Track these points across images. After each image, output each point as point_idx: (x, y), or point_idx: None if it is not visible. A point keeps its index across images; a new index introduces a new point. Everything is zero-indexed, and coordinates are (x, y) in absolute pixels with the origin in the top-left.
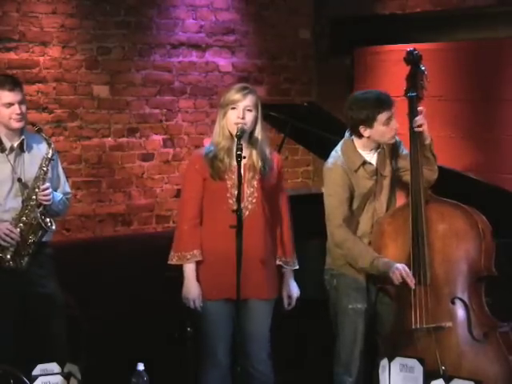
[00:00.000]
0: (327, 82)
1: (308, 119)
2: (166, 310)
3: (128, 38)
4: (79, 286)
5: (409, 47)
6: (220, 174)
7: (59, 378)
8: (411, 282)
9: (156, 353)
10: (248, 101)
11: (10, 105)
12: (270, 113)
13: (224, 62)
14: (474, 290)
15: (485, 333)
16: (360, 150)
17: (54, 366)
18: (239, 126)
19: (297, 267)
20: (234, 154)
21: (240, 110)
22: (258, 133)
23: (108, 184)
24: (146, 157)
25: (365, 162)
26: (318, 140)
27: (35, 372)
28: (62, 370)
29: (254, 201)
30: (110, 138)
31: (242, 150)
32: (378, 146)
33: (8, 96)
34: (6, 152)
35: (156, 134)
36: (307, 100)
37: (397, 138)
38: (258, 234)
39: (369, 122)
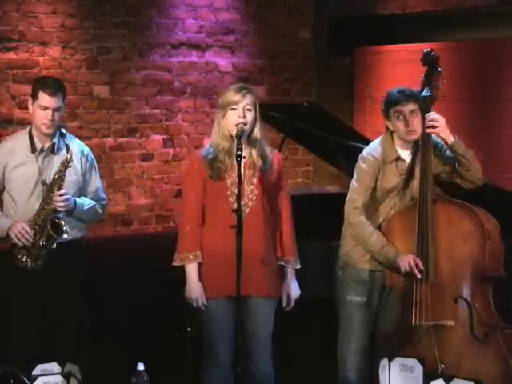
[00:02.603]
0: (327, 82)
1: (308, 119)
2: (167, 310)
3: (128, 38)
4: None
5: (409, 47)
6: (220, 173)
7: (59, 377)
8: (418, 272)
9: (156, 353)
10: (247, 100)
11: (46, 108)
12: (270, 113)
13: (224, 62)
14: (479, 289)
15: (485, 333)
16: (397, 147)
17: (54, 366)
18: (239, 126)
19: (298, 266)
20: (234, 154)
21: (240, 110)
22: (257, 132)
23: (108, 184)
24: (146, 157)
25: (398, 158)
26: (318, 140)
27: (35, 372)
28: (62, 370)
29: (254, 198)
30: (110, 138)
31: (242, 149)
32: (414, 146)
33: (46, 100)
34: (36, 153)
35: (156, 134)
36: (307, 100)
37: (438, 141)
38: (259, 232)
39: (386, 115)
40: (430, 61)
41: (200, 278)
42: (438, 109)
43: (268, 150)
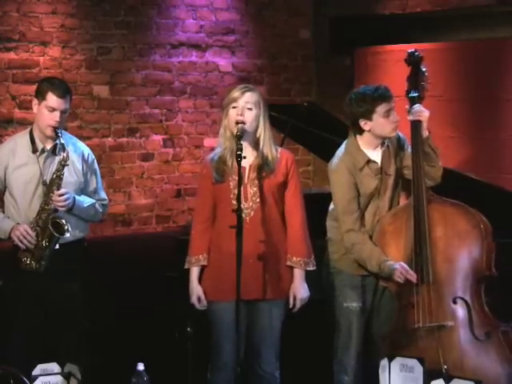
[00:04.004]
0: (327, 82)
1: (308, 119)
2: (166, 310)
3: (128, 38)
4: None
5: (409, 47)
6: (224, 176)
7: (59, 377)
8: (412, 277)
9: (156, 353)
10: (247, 98)
11: (53, 110)
12: (270, 113)
13: (224, 62)
14: (476, 289)
15: (487, 332)
16: (364, 149)
17: (54, 366)
18: (239, 125)
19: (311, 268)
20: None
21: (239, 108)
22: (261, 132)
23: (108, 184)
24: (146, 157)
25: (369, 161)
26: (318, 140)
27: (35, 372)
28: (62, 370)
29: (258, 200)
30: (109, 138)
31: (241, 150)
32: (381, 144)
33: (54, 101)
34: (37, 153)
35: (156, 134)
36: (307, 100)
37: (401, 136)
38: (264, 234)
39: (368, 115)
40: (414, 61)
41: (206, 279)
42: (438, 108)
43: (274, 149)
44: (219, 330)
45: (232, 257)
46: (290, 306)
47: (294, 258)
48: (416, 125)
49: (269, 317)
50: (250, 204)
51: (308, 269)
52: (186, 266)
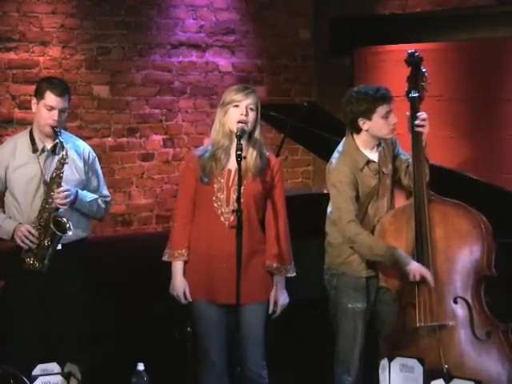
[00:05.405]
0: (327, 82)
1: (308, 119)
2: (166, 310)
3: (128, 38)
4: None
5: (409, 47)
6: (210, 177)
7: (59, 378)
8: (431, 280)
9: (156, 353)
10: (250, 100)
11: (52, 108)
12: (270, 113)
13: (224, 62)
14: (476, 289)
15: (487, 332)
16: (362, 149)
17: (54, 366)
18: (239, 126)
19: (291, 274)
20: (232, 154)
21: (243, 108)
22: (258, 134)
23: (108, 184)
24: (146, 157)
25: (369, 161)
26: (318, 140)
27: (35, 372)
28: (62, 370)
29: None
30: (109, 138)
31: (242, 150)
32: (377, 144)
33: (53, 100)
34: (38, 153)
35: (156, 134)
36: (307, 100)
37: (393, 137)
38: (246, 239)
39: (368, 114)
40: (414, 62)
41: (185, 276)
42: (438, 108)
43: (264, 152)
44: (202, 330)
45: (208, 258)
46: (270, 312)
47: (276, 265)
48: (418, 134)
49: (251, 319)
50: (232, 208)
51: (289, 275)
52: (165, 259)
